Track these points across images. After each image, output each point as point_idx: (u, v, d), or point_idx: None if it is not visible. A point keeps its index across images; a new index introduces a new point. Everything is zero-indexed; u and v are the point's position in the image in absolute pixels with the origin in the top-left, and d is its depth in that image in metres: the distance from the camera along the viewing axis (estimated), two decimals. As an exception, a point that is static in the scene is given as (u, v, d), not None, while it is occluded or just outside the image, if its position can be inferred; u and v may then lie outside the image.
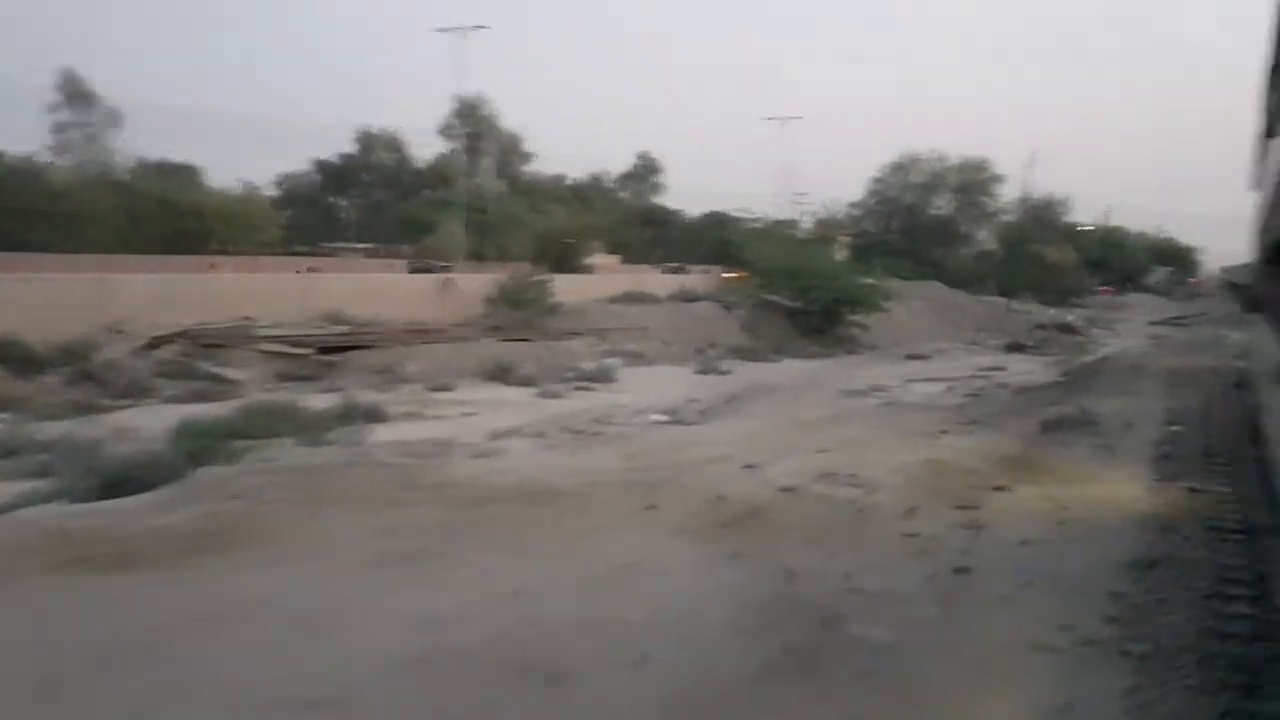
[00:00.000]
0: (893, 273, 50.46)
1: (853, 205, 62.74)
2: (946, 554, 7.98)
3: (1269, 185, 9.64)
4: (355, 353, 23.60)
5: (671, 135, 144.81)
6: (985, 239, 64.78)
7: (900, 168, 62.31)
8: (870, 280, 33.18)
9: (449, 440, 11.90)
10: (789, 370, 25.99)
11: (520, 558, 6.88)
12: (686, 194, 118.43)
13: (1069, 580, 7.43)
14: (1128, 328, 43.84)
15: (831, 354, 30.41)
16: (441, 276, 31.05)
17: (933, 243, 58.47)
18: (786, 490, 9.66)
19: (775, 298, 31.79)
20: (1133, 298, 70.58)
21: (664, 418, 14.39)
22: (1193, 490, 10.17)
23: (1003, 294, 52.34)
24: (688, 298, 33.53)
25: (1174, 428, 14.55)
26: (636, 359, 26.57)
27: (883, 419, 15.05)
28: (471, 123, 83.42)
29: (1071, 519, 9.26)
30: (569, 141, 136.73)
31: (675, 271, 44.97)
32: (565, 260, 53.35)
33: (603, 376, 22.55)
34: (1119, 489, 10.35)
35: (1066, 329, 40.00)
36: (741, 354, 28.37)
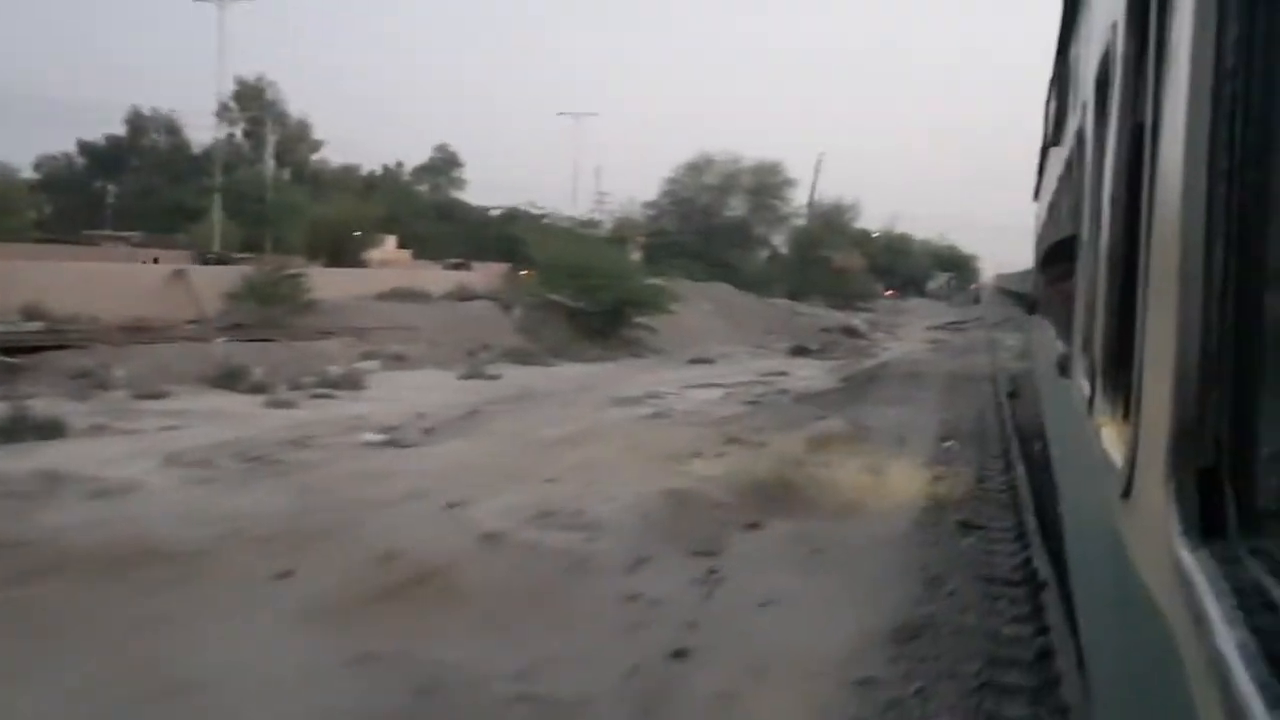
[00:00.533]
0: (686, 274, 49.74)
1: (647, 205, 61.67)
2: (668, 627, 6.23)
3: (1047, 194, 10.25)
4: (54, 354, 20.15)
5: (477, 130, 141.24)
6: (781, 242, 65.22)
7: (695, 168, 61.73)
8: (656, 281, 31.77)
9: (75, 473, 9.29)
10: (563, 375, 24.18)
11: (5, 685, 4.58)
12: (489, 189, 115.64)
13: (811, 659, 5.81)
14: (909, 332, 44.58)
15: (614, 357, 28.83)
16: (172, 268, 27.51)
17: (727, 245, 58.22)
18: (489, 538, 7.72)
19: (558, 297, 29.95)
20: (915, 302, 73.09)
21: (379, 437, 12.13)
22: (965, 525, 8.89)
23: (792, 297, 52.58)
24: (465, 296, 31.18)
25: (947, 444, 13.57)
26: (398, 362, 24.14)
27: (641, 434, 13.38)
28: (255, 106, 78.11)
29: (826, 565, 7.74)
30: (366, 131, 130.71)
31: (458, 268, 42.38)
32: (345, 253, 49.91)
33: (350, 382, 20.04)
34: (883, 525, 8.96)
35: (851, 332, 40.11)
36: (516, 357, 26.36)
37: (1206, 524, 1.47)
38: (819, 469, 11.22)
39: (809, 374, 26.90)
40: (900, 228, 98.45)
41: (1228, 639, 1.17)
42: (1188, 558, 1.42)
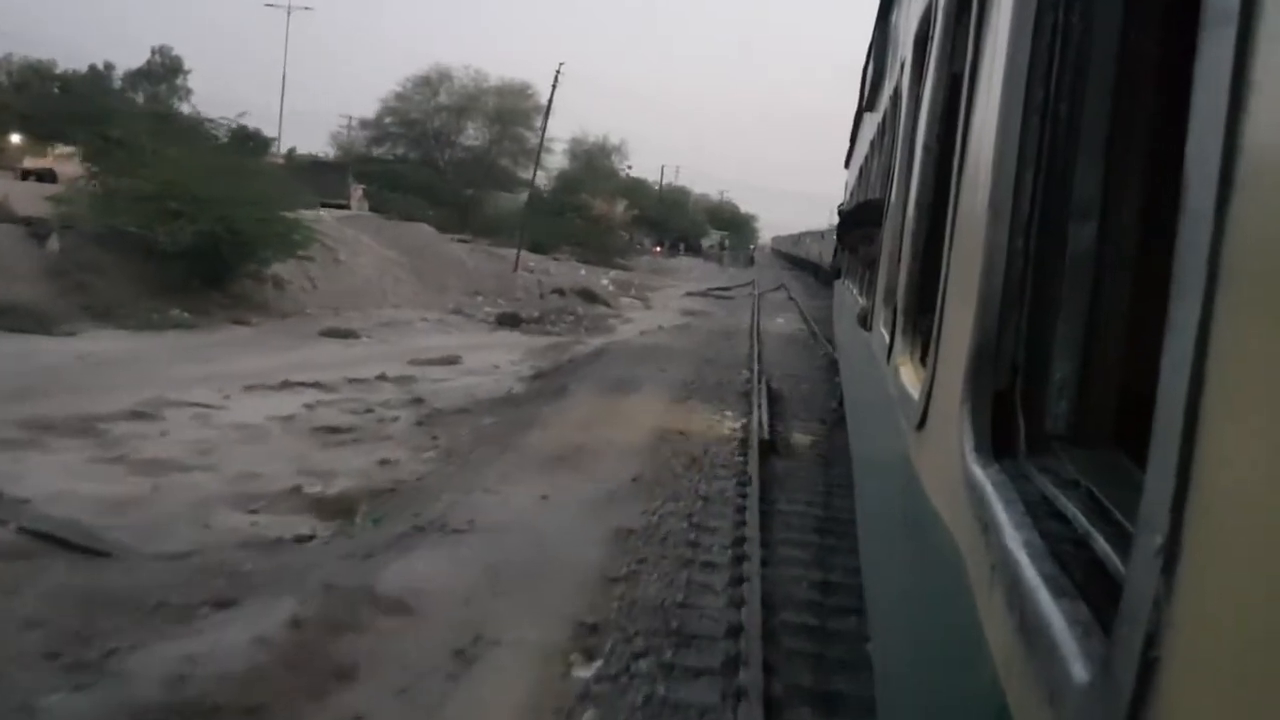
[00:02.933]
0: (402, 212, 39.85)
1: (364, 125, 50.23)
2: None
3: (859, 159, 10.75)
4: None
5: (208, 38, 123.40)
6: (542, 181, 54.72)
7: (428, 83, 50.70)
8: (289, 215, 21.77)
9: None
10: (46, 360, 14.19)
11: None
12: (223, 105, 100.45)
13: None
14: (665, 298, 36.57)
15: (204, 324, 18.96)
16: None
17: (465, 180, 48.14)
18: None
19: (134, 226, 19.63)
20: (685, 261, 65.44)
21: None
22: None
23: (537, 248, 43.70)
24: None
25: (588, 629, 4.97)
26: None
27: None
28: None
29: None
30: (77, 27, 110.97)
31: (27, 176, 30.59)
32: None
33: None
34: None
35: (589, 297, 31.59)
36: (8, 319, 16.10)
37: (998, 444, 1.51)
38: None
39: (494, 362, 18.13)
40: (681, 182, 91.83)
41: (1014, 539, 1.20)
42: (978, 474, 1.46)
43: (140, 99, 76.76)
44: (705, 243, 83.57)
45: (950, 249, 2.04)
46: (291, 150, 72.39)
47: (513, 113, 50.37)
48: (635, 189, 72.76)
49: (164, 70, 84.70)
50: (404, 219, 37.58)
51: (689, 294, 38.82)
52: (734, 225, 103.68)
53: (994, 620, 1.24)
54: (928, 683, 1.96)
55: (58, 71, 70.56)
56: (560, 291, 31.54)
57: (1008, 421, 1.49)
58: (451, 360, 18.00)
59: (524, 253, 38.39)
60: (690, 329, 25.72)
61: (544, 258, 41.81)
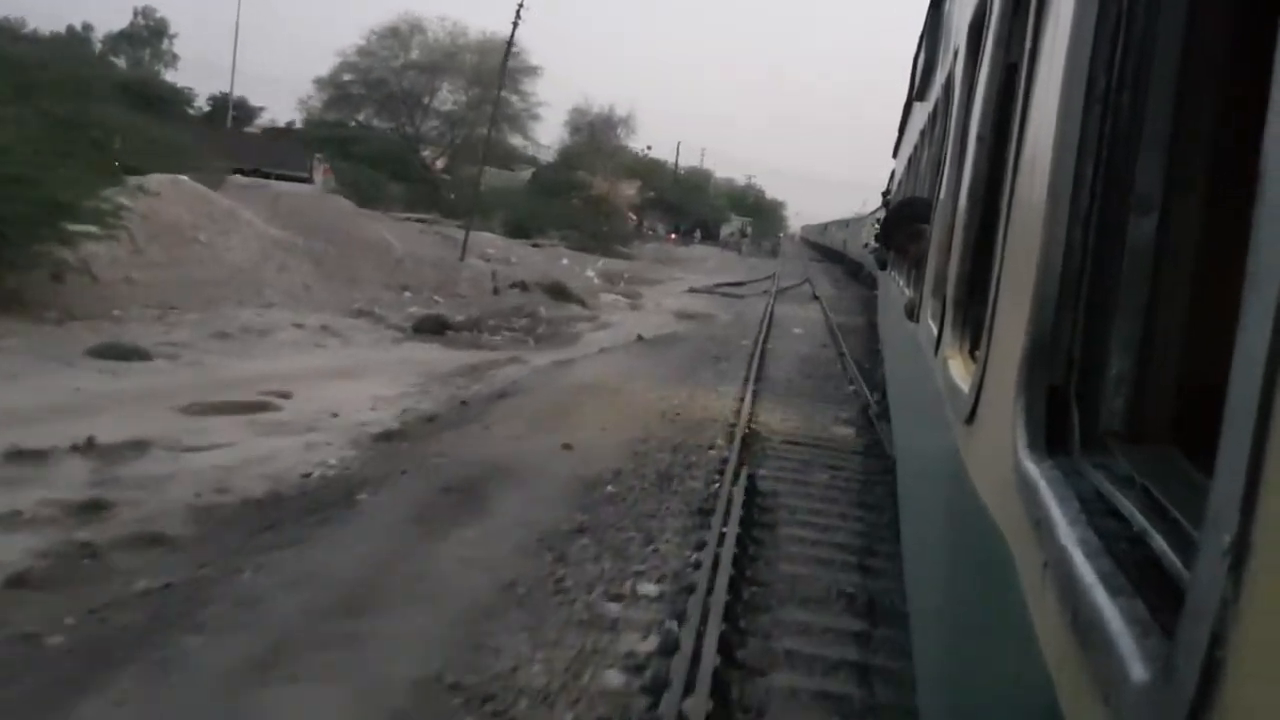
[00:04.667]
0: (353, 187, 33.42)
1: (320, 85, 43.26)
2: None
3: (908, 148, 10.58)
4: None
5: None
6: (521, 144, 47.20)
7: (395, 35, 43.46)
8: (93, 176, 15.19)
9: None
10: None
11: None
12: (204, 69, 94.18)
13: None
14: (662, 295, 29.74)
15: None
16: None
17: (443, 152, 41.43)
18: None
19: None
20: (699, 250, 58.26)
21: None
22: None
23: (517, 231, 37.08)
24: None
25: None
26: None
27: None
28: None
29: None
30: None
31: None
32: None
33: None
34: None
35: (559, 294, 24.85)
36: None
37: (1051, 440, 1.47)
38: None
39: (340, 405, 11.42)
40: (708, 165, 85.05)
41: (1069, 536, 1.17)
42: (1031, 469, 1.42)
43: (122, 63, 70.66)
44: (724, 230, 76.42)
45: (1005, 240, 2.01)
46: (290, 123, 65.87)
47: (495, 73, 43.29)
48: (651, 169, 66.06)
49: (148, 33, 78.61)
50: (361, 197, 31.24)
51: (692, 290, 31.95)
52: (759, 212, 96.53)
53: (1045, 617, 1.22)
54: (973, 680, 1.92)
55: (25, 31, 64.36)
56: (522, 286, 24.83)
57: (1062, 417, 1.47)
58: (267, 404, 11.35)
59: (492, 237, 31.72)
60: (674, 343, 18.93)
61: (521, 243, 35.16)
